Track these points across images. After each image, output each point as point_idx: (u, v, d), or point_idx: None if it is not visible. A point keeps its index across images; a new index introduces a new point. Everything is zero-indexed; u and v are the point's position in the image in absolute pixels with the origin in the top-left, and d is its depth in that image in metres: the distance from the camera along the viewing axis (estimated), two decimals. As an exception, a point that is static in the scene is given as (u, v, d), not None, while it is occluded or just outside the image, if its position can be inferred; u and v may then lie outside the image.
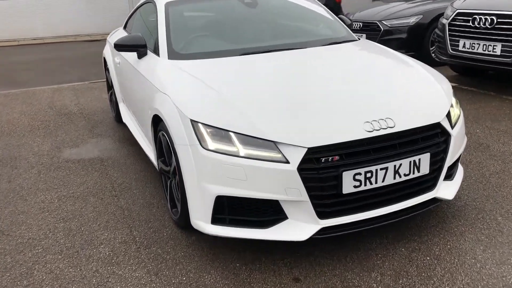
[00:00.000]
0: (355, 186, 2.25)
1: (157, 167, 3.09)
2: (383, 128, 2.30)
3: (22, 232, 2.87)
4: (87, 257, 2.58)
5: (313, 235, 2.27)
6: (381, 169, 2.26)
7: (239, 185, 2.25)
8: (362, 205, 2.34)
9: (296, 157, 2.21)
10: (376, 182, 2.28)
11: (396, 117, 2.37)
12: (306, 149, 2.21)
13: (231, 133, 2.29)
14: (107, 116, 5.27)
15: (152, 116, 2.93)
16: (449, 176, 2.67)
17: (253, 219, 2.34)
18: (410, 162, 2.32)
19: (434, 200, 2.53)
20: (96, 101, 6.05)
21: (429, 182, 2.48)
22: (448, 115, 2.57)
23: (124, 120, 4.40)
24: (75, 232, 2.84)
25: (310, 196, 2.23)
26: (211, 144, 2.31)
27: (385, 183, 2.30)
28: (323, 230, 2.29)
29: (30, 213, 3.10)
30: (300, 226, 2.30)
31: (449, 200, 2.85)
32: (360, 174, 2.23)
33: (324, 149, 2.23)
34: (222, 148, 2.28)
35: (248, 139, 2.26)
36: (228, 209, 2.35)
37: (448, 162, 2.52)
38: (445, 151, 2.49)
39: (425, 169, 2.38)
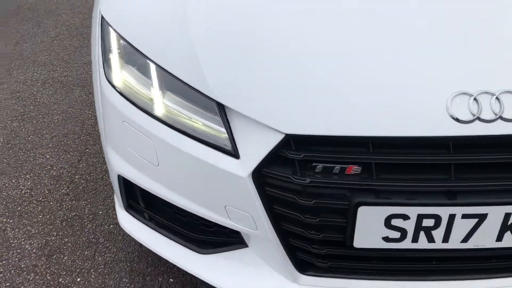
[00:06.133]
0: (387, 239, 1.09)
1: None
2: (489, 120, 0.95)
3: None
4: None
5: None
6: (469, 215, 1.00)
7: (147, 170, 1.20)
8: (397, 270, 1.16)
9: (255, 149, 1.03)
10: (446, 240, 1.05)
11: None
12: (283, 135, 0.99)
13: (152, 65, 1.15)
14: None
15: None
16: None
17: (183, 231, 1.29)
18: None
19: None
20: None
21: None
22: None
23: None
24: None
25: (280, 232, 1.10)
26: (119, 73, 1.22)
27: (470, 245, 1.05)
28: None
29: None
30: (262, 271, 1.23)
31: None
32: (406, 217, 1.02)
33: (324, 143, 1.00)
34: (133, 88, 1.19)
35: (174, 84, 1.13)
36: (142, 199, 1.31)
37: None
38: None
39: None
